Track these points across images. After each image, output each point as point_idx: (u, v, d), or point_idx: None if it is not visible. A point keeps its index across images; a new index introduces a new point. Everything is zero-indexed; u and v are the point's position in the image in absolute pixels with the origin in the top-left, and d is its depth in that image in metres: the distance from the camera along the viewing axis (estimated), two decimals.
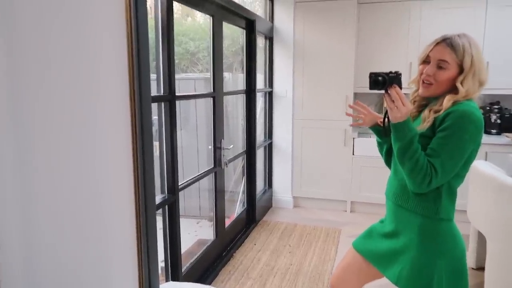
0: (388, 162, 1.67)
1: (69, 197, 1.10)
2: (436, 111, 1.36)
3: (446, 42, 1.37)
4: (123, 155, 1.18)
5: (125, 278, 1.25)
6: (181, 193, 2.40)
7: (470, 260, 2.90)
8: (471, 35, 1.40)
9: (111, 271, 1.21)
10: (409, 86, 1.55)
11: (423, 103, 1.51)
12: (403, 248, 1.47)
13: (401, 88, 1.36)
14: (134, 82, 1.12)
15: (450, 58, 1.36)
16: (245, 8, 3.31)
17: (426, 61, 1.43)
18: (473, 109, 1.32)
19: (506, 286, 2.42)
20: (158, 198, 2.17)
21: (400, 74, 1.37)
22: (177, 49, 4.47)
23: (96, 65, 1.09)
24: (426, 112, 1.40)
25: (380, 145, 1.68)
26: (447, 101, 1.34)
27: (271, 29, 4.11)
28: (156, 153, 2.32)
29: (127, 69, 1.11)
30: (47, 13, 1.00)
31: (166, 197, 2.22)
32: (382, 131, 1.59)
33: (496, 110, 3.88)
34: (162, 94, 2.18)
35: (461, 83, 1.35)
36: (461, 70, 1.36)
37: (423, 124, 1.39)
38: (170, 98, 2.19)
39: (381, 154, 1.70)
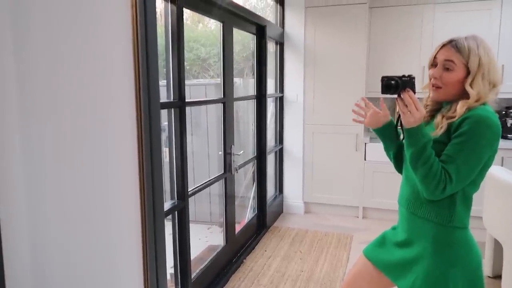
0: (398, 167, 1.64)
1: (76, 202, 1.11)
2: (449, 118, 1.33)
3: (451, 44, 1.35)
4: (129, 160, 1.18)
5: (131, 283, 1.25)
6: (191, 199, 2.39)
7: (487, 268, 2.83)
8: (481, 36, 1.36)
9: (117, 276, 1.20)
10: (422, 91, 1.52)
11: (436, 108, 1.48)
12: (416, 258, 1.43)
13: (414, 92, 1.32)
14: (140, 88, 1.12)
15: (456, 59, 1.33)
16: (256, 14, 3.32)
17: (434, 64, 1.41)
18: (489, 114, 1.29)
19: None
20: (168, 204, 2.17)
21: (414, 78, 1.33)
22: (188, 55, 4.52)
23: (102, 72, 1.09)
24: (438, 118, 1.37)
25: (386, 149, 1.64)
26: (460, 107, 1.31)
27: (282, 34, 4.10)
28: (166, 159, 2.32)
29: (133, 76, 1.11)
30: (57, 23, 1.01)
31: (176, 203, 2.22)
32: (383, 131, 1.56)
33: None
34: (172, 100, 2.18)
35: (470, 86, 1.31)
36: (468, 71, 1.32)
37: (436, 131, 1.35)
38: (180, 104, 2.19)
39: (390, 159, 1.66)
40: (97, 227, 1.16)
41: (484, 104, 1.33)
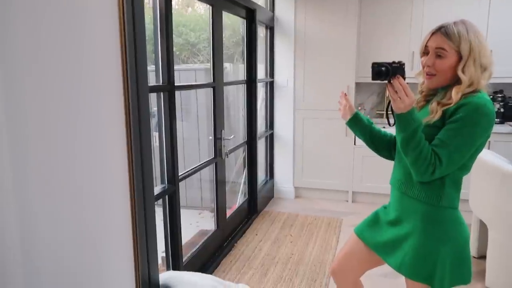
0: (378, 152, 1.69)
1: (64, 187, 1.10)
2: (445, 105, 1.34)
3: (441, 31, 1.35)
4: (118, 144, 1.17)
5: (121, 267, 1.26)
6: (182, 184, 2.39)
7: (472, 249, 2.90)
8: (470, 21, 1.37)
9: (107, 261, 1.21)
10: (416, 77, 1.53)
11: (431, 93, 1.50)
12: (406, 235, 1.46)
13: (404, 78, 1.33)
14: (128, 71, 1.11)
15: (447, 46, 1.34)
16: None
17: (425, 52, 1.42)
18: (486, 102, 1.31)
19: (507, 273, 2.42)
20: (158, 188, 2.18)
21: (404, 64, 1.34)
22: (177, 40, 4.46)
23: (88, 55, 1.08)
24: (434, 104, 1.38)
25: (359, 138, 1.72)
26: (455, 94, 1.32)
27: (272, 18, 4.07)
28: (156, 143, 2.32)
29: (120, 59, 1.10)
30: (40, 5, 0.99)
31: (166, 187, 2.22)
32: (350, 124, 1.66)
33: (499, 99, 3.85)
34: (161, 84, 2.16)
35: (462, 71, 1.32)
36: (460, 57, 1.33)
37: (430, 116, 1.37)
38: (169, 88, 2.18)
39: (370, 148, 1.71)
40: (87, 213, 1.16)
41: (479, 91, 1.34)
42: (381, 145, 1.67)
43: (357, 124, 1.67)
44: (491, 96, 3.85)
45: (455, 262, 1.40)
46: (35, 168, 1.06)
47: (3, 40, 0.96)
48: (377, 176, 3.97)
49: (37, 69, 1.01)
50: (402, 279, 1.50)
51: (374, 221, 1.65)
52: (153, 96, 2.23)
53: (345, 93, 1.71)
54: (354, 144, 4.09)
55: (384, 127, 1.88)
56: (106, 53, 1.11)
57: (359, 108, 4.38)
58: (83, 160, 1.11)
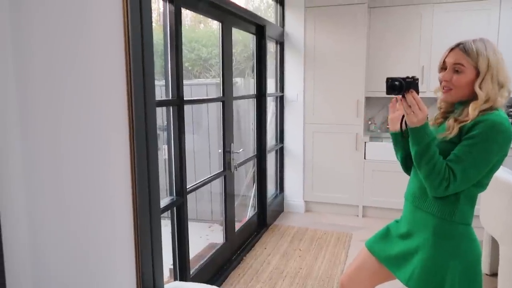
0: (405, 169, 1.66)
1: (71, 199, 1.14)
2: (462, 122, 1.35)
3: (460, 47, 1.38)
4: (121, 155, 1.22)
5: (124, 277, 1.28)
6: (193, 197, 2.43)
7: (484, 266, 2.84)
8: (488, 39, 1.39)
9: (110, 271, 1.24)
10: (435, 94, 1.54)
11: (449, 110, 1.51)
12: (416, 249, 1.46)
13: (418, 93, 1.36)
14: (132, 86, 1.16)
15: (465, 62, 1.35)
16: (255, 14, 3.35)
17: (443, 67, 1.44)
18: (503, 120, 1.31)
19: None
20: (167, 200, 2.21)
21: (417, 79, 1.38)
22: (190, 55, 4.56)
23: (94, 71, 1.13)
24: (450, 121, 1.39)
25: (395, 151, 1.66)
26: (472, 110, 1.33)
27: (282, 34, 4.14)
28: (165, 156, 2.36)
29: (125, 75, 1.15)
30: (53, 23, 1.05)
31: (175, 199, 2.26)
32: (396, 136, 1.57)
33: (511, 114, 3.81)
34: (170, 98, 2.22)
35: (480, 87, 1.34)
36: (477, 73, 1.35)
37: (447, 132, 1.38)
38: (178, 102, 2.23)
39: (398, 161, 1.68)
40: (92, 224, 1.20)
41: (497, 109, 1.35)
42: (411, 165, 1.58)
43: (403, 140, 1.55)
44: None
45: (464, 279, 1.38)
46: (46, 182, 1.10)
47: (21, 66, 1.02)
48: (388, 191, 3.94)
49: (51, 84, 1.07)
50: None
51: (385, 235, 1.65)
52: (164, 110, 2.30)
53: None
54: (364, 158, 4.07)
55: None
56: (110, 64, 1.16)
57: (369, 122, 4.38)
58: (88, 170, 1.16)
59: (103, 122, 1.17)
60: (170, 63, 2.20)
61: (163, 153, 2.40)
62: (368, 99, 4.22)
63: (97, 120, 1.16)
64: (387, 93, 1.39)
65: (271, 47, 4.10)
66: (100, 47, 1.14)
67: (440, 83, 1.45)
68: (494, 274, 2.72)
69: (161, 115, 2.35)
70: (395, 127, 1.58)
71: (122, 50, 1.16)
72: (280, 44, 4.18)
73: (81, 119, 1.12)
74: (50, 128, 1.09)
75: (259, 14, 3.45)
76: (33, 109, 1.06)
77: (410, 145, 1.40)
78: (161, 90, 2.30)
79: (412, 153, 1.39)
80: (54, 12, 1.06)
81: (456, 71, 1.37)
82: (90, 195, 1.18)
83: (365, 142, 4.05)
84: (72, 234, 1.17)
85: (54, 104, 1.08)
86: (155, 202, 1.55)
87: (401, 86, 1.36)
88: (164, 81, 2.28)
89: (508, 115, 3.75)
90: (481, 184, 1.39)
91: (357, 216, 4.20)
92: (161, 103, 2.18)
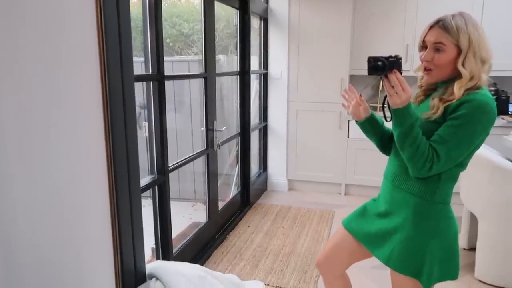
0: (383, 151, 1.64)
1: (43, 179, 1.09)
2: (447, 101, 1.31)
3: (439, 24, 1.32)
4: (96, 133, 1.16)
5: (102, 257, 1.25)
6: (175, 176, 2.38)
7: (463, 241, 2.92)
8: (468, 13, 1.34)
9: (86, 252, 1.20)
10: (415, 72, 1.50)
11: (431, 88, 1.47)
12: (395, 228, 1.45)
13: (401, 73, 1.30)
14: (105, 57, 1.09)
15: (446, 40, 1.31)
16: None
17: (423, 46, 1.39)
18: (488, 100, 1.28)
19: (496, 265, 2.44)
20: (147, 179, 2.16)
21: (400, 58, 1.31)
22: (171, 31, 4.42)
23: (62, 43, 1.05)
24: (435, 100, 1.35)
25: (369, 138, 1.65)
26: (457, 89, 1.29)
27: (266, 9, 4.04)
28: (146, 134, 2.30)
29: (97, 47, 1.08)
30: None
31: (156, 178, 2.21)
32: (363, 124, 1.58)
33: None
34: (150, 73, 2.14)
35: (463, 65, 1.30)
36: (459, 50, 1.31)
37: (431, 112, 1.34)
38: (158, 78, 2.16)
39: (375, 145, 1.66)
40: (64, 206, 1.15)
41: (481, 87, 1.32)
42: (389, 145, 1.59)
43: (371, 125, 1.60)
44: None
45: (444, 257, 1.39)
46: (12, 160, 1.04)
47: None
48: (370, 169, 3.97)
49: (9, 57, 0.99)
50: (389, 271, 1.49)
51: (362, 214, 1.63)
52: (144, 87, 2.21)
53: (359, 92, 1.61)
54: (348, 136, 4.08)
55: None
56: (82, 38, 1.09)
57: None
58: (59, 149, 1.09)
59: (74, 97, 1.10)
60: (150, 37, 2.11)
61: (144, 131, 2.33)
62: (352, 77, 4.20)
63: (67, 95, 1.09)
64: (369, 73, 1.33)
65: (254, 23, 4.00)
66: (69, 15, 1.06)
67: (422, 63, 1.41)
68: (472, 249, 2.79)
69: (142, 93, 2.27)
70: (359, 116, 1.60)
71: (93, 16, 1.09)
72: (264, 20, 4.09)
73: (49, 91, 1.05)
74: (18, 105, 1.02)
75: None
76: None
77: (392, 126, 1.37)
78: (141, 66, 2.21)
79: (395, 135, 1.36)
80: None
81: (437, 50, 1.33)
82: (62, 175, 1.12)
83: (348, 121, 4.05)
84: (45, 215, 1.11)
85: (18, 75, 1.01)
86: (134, 180, 1.50)
87: (384, 66, 1.29)
88: (144, 58, 2.20)
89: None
90: (462, 164, 1.38)
91: (340, 194, 4.24)
92: (140, 78, 2.10)
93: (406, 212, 1.42)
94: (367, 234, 1.57)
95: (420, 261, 1.39)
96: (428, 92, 1.48)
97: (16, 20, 0.97)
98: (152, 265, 1.69)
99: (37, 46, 1.00)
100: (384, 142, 1.61)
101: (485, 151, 2.48)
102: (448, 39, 1.31)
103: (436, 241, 1.38)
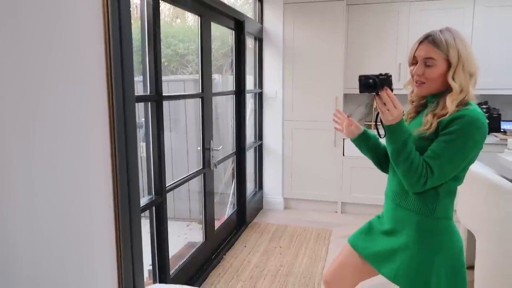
0: (380, 168, 1.67)
1: (47, 199, 1.07)
2: (440, 116, 1.34)
3: (428, 39, 1.37)
4: (101, 152, 1.15)
5: (105, 279, 1.22)
6: (170, 196, 2.36)
7: None
8: (455, 28, 1.38)
9: (91, 273, 1.17)
10: (405, 88, 1.53)
11: (421, 103, 1.50)
12: (401, 246, 1.46)
13: (392, 90, 1.33)
14: (112, 81, 1.10)
15: (436, 55, 1.35)
16: (234, 9, 3.30)
17: (413, 62, 1.43)
18: (479, 115, 1.32)
19: (495, 283, 2.42)
20: (145, 199, 2.14)
21: (391, 76, 1.35)
22: (166, 51, 4.46)
23: (73, 66, 1.06)
24: (429, 116, 1.38)
25: (365, 155, 1.69)
26: (450, 103, 1.32)
27: (261, 30, 4.10)
28: (144, 154, 2.29)
29: (105, 70, 1.08)
30: (26, 15, 0.97)
31: (154, 198, 2.19)
32: (357, 140, 1.62)
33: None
34: (148, 94, 2.15)
35: (453, 78, 1.33)
36: (449, 65, 1.34)
37: (424, 127, 1.37)
38: (157, 98, 2.16)
39: (373, 163, 1.69)
40: (69, 225, 1.13)
41: (470, 103, 1.35)
42: (386, 162, 1.62)
43: (364, 141, 1.64)
44: None
45: (450, 272, 1.39)
46: (16, 175, 1.03)
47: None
48: (366, 187, 3.98)
49: (23, 80, 0.99)
50: None
51: (367, 231, 1.64)
52: (141, 107, 2.21)
53: (347, 114, 1.69)
54: (343, 154, 4.10)
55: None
56: (90, 60, 1.10)
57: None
58: (65, 166, 1.08)
59: (84, 118, 1.10)
60: (148, 57, 2.13)
61: (141, 150, 2.32)
62: (346, 96, 4.25)
63: (76, 116, 1.09)
64: (360, 91, 1.35)
65: (249, 43, 4.05)
66: (80, 39, 1.07)
67: (412, 77, 1.44)
68: (471, 267, 2.78)
69: (138, 112, 2.27)
70: (352, 134, 1.65)
71: (102, 45, 1.09)
72: (259, 40, 4.14)
73: (60, 117, 1.05)
74: (24, 126, 1.01)
75: (236, 9, 3.39)
76: (5, 108, 0.98)
77: (386, 143, 1.39)
78: (137, 86, 2.21)
79: (389, 151, 1.38)
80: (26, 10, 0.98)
81: (428, 65, 1.37)
82: (70, 195, 1.11)
83: (343, 139, 4.07)
84: (51, 234, 1.09)
85: (29, 101, 1.00)
86: (135, 201, 1.49)
87: (375, 84, 1.33)
88: (141, 77, 2.20)
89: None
90: (458, 177, 1.40)
91: (336, 212, 4.23)
92: (140, 99, 2.10)
93: (409, 229, 1.44)
94: (373, 252, 1.57)
95: (427, 277, 1.39)
96: (419, 108, 1.51)
97: (34, 51, 0.98)
98: None
99: (54, 72, 1.01)
100: (380, 158, 1.65)
101: (480, 169, 2.50)
102: (438, 53, 1.35)
103: (441, 257, 1.38)
